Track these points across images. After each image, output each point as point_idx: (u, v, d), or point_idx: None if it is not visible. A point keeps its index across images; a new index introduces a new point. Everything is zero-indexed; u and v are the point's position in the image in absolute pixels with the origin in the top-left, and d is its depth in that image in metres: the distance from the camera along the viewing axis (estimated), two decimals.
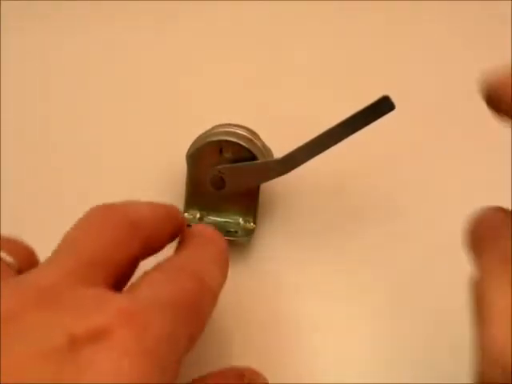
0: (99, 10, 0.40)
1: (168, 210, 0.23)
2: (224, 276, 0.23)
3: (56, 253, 0.20)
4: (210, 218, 0.30)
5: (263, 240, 0.30)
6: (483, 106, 0.19)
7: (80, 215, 0.22)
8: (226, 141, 0.29)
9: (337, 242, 0.30)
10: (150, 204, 0.23)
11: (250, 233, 0.30)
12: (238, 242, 0.29)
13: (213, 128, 0.30)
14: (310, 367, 0.27)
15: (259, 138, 0.30)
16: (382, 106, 0.26)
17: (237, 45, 0.38)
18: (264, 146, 0.30)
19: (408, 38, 0.34)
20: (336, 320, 0.28)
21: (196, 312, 0.20)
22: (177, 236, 0.24)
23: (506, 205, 0.20)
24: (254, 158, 0.29)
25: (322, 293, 0.29)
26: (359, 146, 0.29)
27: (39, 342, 0.16)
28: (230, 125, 0.30)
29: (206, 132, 0.30)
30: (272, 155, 0.30)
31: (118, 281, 0.20)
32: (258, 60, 0.37)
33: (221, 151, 0.29)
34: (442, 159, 0.32)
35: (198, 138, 0.30)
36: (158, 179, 0.31)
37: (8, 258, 0.21)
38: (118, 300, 0.18)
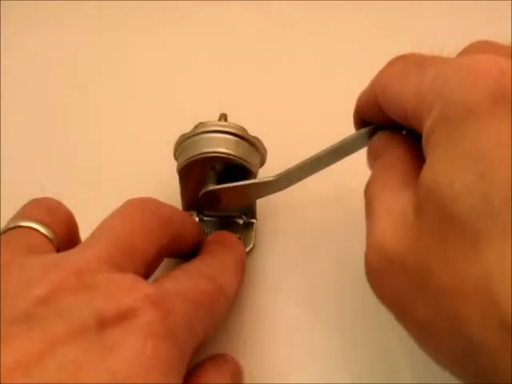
0: (99, 10, 0.40)
1: (191, 218, 0.27)
2: (239, 282, 0.25)
3: (93, 237, 0.21)
4: (209, 217, 0.30)
5: (262, 246, 0.30)
6: None
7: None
8: (214, 157, 0.27)
9: (336, 245, 0.30)
10: (177, 208, 0.25)
11: (251, 226, 0.30)
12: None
13: (195, 129, 0.28)
14: (309, 370, 0.27)
15: (246, 132, 0.28)
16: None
17: (237, 45, 0.38)
18: (252, 141, 0.28)
19: (408, 39, 0.34)
20: (334, 322, 0.28)
21: (210, 310, 0.22)
22: (198, 241, 0.26)
23: None
24: (244, 166, 0.28)
25: (320, 294, 0.29)
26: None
27: (71, 323, 0.17)
28: (213, 125, 0.28)
29: (189, 134, 0.28)
30: (263, 146, 0.29)
31: (146, 270, 0.22)
32: (257, 60, 0.37)
33: (211, 165, 0.28)
34: None
35: (184, 143, 0.28)
36: (156, 179, 0.31)
37: (47, 232, 0.22)
38: (146, 286, 0.19)
